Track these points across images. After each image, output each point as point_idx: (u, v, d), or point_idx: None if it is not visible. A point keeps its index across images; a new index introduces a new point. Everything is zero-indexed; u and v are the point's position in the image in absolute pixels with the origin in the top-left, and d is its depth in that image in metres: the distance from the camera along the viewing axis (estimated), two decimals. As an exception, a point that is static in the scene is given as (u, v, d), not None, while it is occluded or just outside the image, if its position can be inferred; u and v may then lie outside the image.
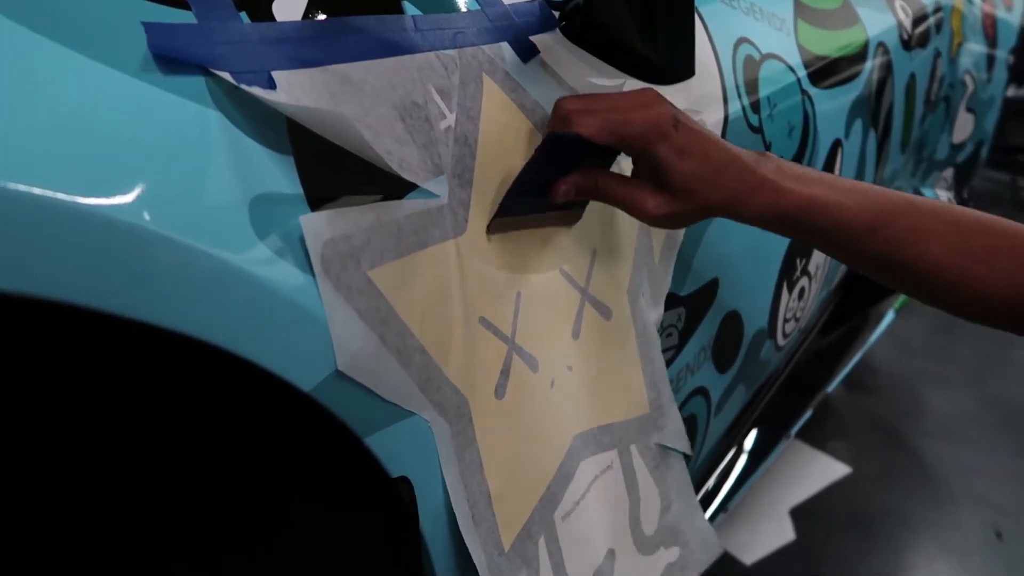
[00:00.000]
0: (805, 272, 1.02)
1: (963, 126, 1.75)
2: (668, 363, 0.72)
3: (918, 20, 1.31)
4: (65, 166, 0.27)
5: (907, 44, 1.26)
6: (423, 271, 0.43)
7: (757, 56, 0.82)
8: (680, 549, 0.63)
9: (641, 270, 0.63)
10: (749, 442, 1.09)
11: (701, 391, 0.81)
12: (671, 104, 0.53)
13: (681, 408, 0.78)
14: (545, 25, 0.58)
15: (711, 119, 0.71)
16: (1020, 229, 0.51)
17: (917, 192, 1.66)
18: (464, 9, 0.52)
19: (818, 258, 1.06)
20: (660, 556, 0.61)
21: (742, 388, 0.94)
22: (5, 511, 0.37)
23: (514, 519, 0.49)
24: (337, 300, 0.36)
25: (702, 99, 0.71)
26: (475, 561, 0.45)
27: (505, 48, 0.53)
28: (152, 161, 0.29)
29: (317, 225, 0.35)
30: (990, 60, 1.79)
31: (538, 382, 0.52)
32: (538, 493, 0.51)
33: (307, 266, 0.34)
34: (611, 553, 0.58)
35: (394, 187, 0.41)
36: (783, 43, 0.88)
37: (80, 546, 0.41)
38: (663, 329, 0.70)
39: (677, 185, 0.51)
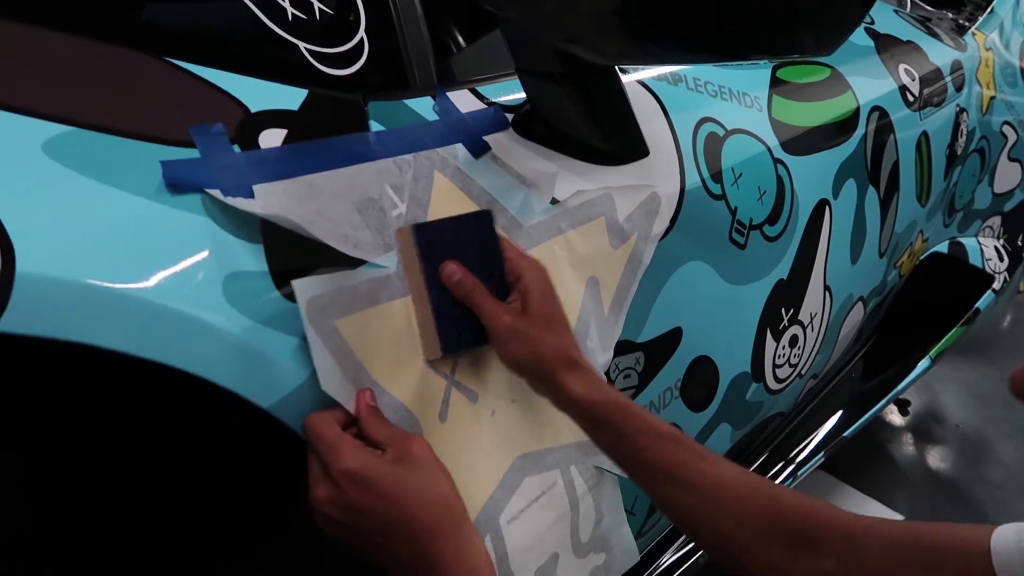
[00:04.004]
0: (796, 321, 1.11)
1: (1008, 176, 1.76)
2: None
3: (928, 81, 1.38)
4: (102, 264, 0.44)
5: (914, 105, 1.33)
6: (375, 323, 0.58)
7: (721, 132, 0.94)
8: (606, 555, 0.74)
9: (587, 320, 0.76)
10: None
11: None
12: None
13: (649, 441, 0.89)
14: (499, 126, 0.73)
15: (667, 191, 0.84)
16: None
17: (955, 241, 1.69)
18: (424, 120, 0.68)
19: (812, 307, 1.14)
20: (590, 559, 0.73)
21: (726, 427, 1.04)
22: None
23: None
24: (317, 340, 0.52)
25: (657, 175, 0.84)
26: None
27: (459, 148, 0.68)
28: (158, 260, 0.46)
29: (305, 285, 0.51)
30: (1037, 109, 1.80)
31: (477, 410, 0.65)
32: (482, 499, 0.64)
33: (261, 321, 0.50)
34: (555, 556, 0.70)
35: (347, 262, 0.56)
36: (753, 119, 1.00)
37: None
38: (620, 371, 0.82)
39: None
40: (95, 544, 0.59)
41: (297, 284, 0.51)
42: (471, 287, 0.61)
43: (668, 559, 1.04)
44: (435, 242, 0.61)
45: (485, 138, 0.71)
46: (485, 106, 0.74)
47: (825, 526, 0.57)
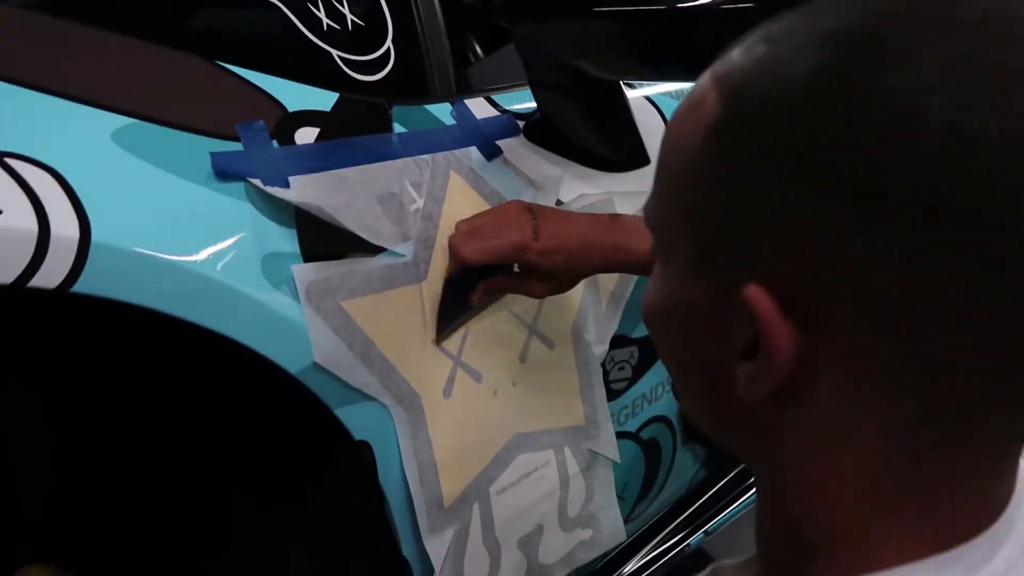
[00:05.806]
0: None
1: None
2: (623, 391, 0.90)
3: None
4: (161, 238, 0.50)
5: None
6: (389, 305, 0.64)
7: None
8: (592, 531, 0.81)
9: (586, 314, 0.82)
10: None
11: (662, 419, 0.98)
12: (529, 212, 0.68)
13: (641, 430, 0.95)
14: (511, 132, 0.79)
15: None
16: None
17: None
18: (443, 124, 0.74)
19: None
20: (576, 534, 0.79)
21: (715, 423, 1.09)
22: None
23: (455, 486, 0.69)
24: (316, 318, 0.58)
25: (657, 182, 0.90)
26: (416, 511, 0.65)
27: (473, 151, 0.75)
28: (206, 237, 0.53)
29: (303, 271, 0.57)
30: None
31: (481, 390, 0.72)
32: (476, 470, 0.71)
33: (294, 296, 0.56)
34: (539, 527, 0.76)
35: (369, 249, 0.63)
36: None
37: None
38: (615, 363, 0.88)
39: (551, 275, 0.69)
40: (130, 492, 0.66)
41: (296, 269, 0.57)
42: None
43: (654, 548, 1.09)
44: None
45: (498, 142, 0.78)
46: (499, 113, 0.80)
47: None
